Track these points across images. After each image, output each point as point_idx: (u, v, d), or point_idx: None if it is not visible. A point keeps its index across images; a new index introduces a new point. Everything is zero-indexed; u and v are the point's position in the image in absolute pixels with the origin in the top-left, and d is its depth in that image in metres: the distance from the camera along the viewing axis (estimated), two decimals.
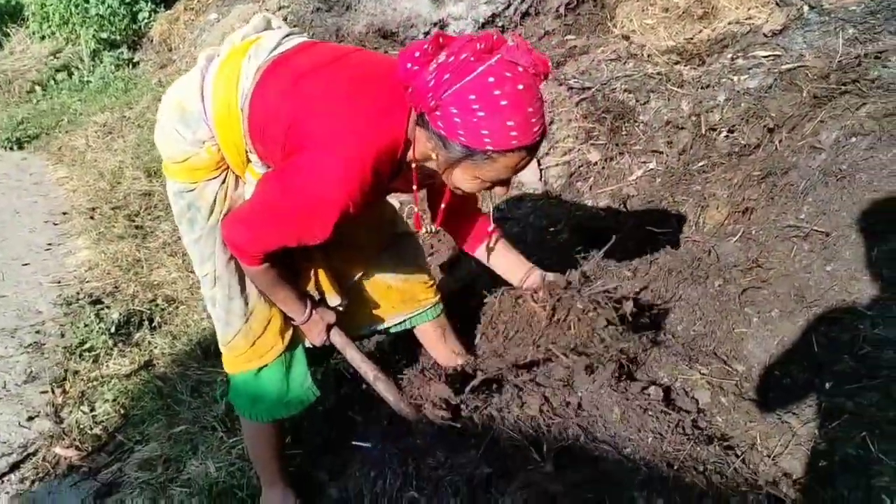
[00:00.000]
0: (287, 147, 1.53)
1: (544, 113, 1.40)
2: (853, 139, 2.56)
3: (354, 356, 2.01)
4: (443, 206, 1.79)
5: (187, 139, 1.66)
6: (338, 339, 1.99)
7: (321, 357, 2.23)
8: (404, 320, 2.22)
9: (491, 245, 2.05)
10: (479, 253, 2.08)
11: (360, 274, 2.08)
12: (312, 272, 1.92)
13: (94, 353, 3.05)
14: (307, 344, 2.01)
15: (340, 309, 1.99)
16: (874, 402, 1.93)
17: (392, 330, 2.25)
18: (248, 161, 1.71)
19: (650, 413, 1.94)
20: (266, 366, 1.92)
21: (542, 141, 1.43)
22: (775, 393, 2.11)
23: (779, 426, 1.98)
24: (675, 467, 1.81)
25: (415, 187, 1.64)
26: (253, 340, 1.88)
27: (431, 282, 2.23)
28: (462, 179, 1.49)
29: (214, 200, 1.74)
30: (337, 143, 1.45)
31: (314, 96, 1.51)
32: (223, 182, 1.74)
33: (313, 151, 1.47)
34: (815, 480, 1.83)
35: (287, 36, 1.70)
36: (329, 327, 1.95)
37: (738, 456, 1.89)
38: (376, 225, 2.07)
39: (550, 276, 2.03)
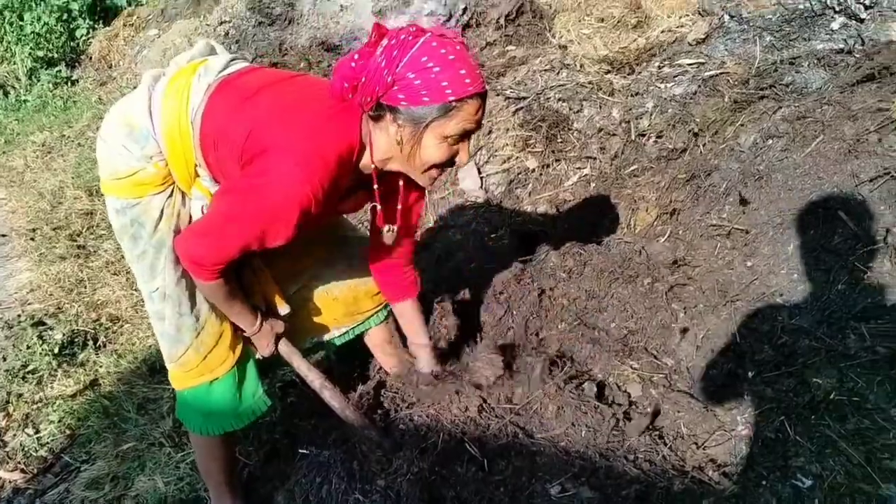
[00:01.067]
0: (244, 156, 1.59)
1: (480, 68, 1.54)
2: (769, 141, 2.72)
3: (301, 365, 2.06)
4: (399, 206, 1.88)
5: (135, 154, 1.70)
6: (284, 348, 2.04)
7: (268, 368, 2.26)
8: (348, 330, 2.28)
9: (410, 306, 2.20)
10: (397, 308, 2.22)
11: (304, 281, 2.13)
12: (258, 282, 1.96)
13: (37, 374, 3.02)
14: (257, 355, 2.05)
15: (285, 318, 2.03)
16: (791, 387, 2.06)
17: (337, 341, 2.30)
18: (197, 176, 1.76)
19: (584, 409, 2.03)
20: (217, 379, 1.94)
21: (486, 94, 1.58)
22: (702, 384, 2.23)
23: (704, 415, 2.10)
24: (608, 457, 1.91)
25: (375, 186, 1.73)
26: (205, 354, 1.90)
27: (377, 290, 2.27)
28: (431, 147, 1.58)
29: (161, 215, 1.76)
30: (295, 145, 1.53)
31: (267, 108, 1.59)
32: (169, 196, 1.77)
33: (272, 155, 1.53)
34: (737, 464, 1.94)
35: (232, 60, 1.79)
36: (277, 337, 2.00)
37: (666, 444, 1.99)
38: (318, 229, 2.11)
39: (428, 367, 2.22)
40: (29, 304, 3.67)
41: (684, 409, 2.13)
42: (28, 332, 3.30)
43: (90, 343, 3.21)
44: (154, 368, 2.93)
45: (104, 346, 3.21)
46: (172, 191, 1.78)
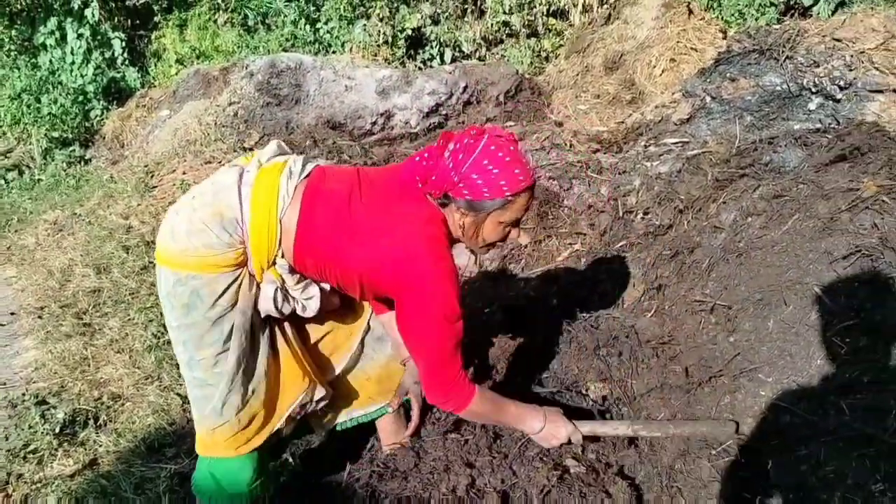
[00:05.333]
0: (391, 290, 1.86)
1: (531, 165, 1.80)
2: (749, 219, 2.81)
3: (604, 429, 2.15)
4: None
5: (222, 241, 1.84)
6: (583, 426, 2.07)
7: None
8: (379, 408, 2.35)
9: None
10: (384, 318, 2.32)
11: (343, 364, 2.24)
12: (301, 369, 2.05)
13: (38, 454, 3.06)
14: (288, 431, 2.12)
15: (326, 401, 2.13)
16: (775, 464, 2.09)
17: (370, 416, 2.37)
18: (273, 263, 1.90)
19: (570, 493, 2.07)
20: (243, 454, 1.99)
21: (535, 184, 1.87)
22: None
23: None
24: None
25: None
26: (240, 429, 1.96)
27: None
28: (490, 231, 1.86)
29: (223, 293, 1.87)
30: (427, 259, 1.78)
31: (385, 243, 1.82)
32: (235, 279, 1.89)
33: (418, 286, 1.78)
34: None
35: (305, 161, 1.99)
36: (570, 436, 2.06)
37: None
38: (353, 309, 2.28)
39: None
40: (33, 382, 3.73)
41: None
42: (31, 411, 3.35)
43: (91, 422, 3.25)
44: (152, 447, 2.96)
45: (105, 424, 3.26)
46: (240, 274, 1.90)
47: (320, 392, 2.10)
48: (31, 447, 3.11)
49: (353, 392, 2.29)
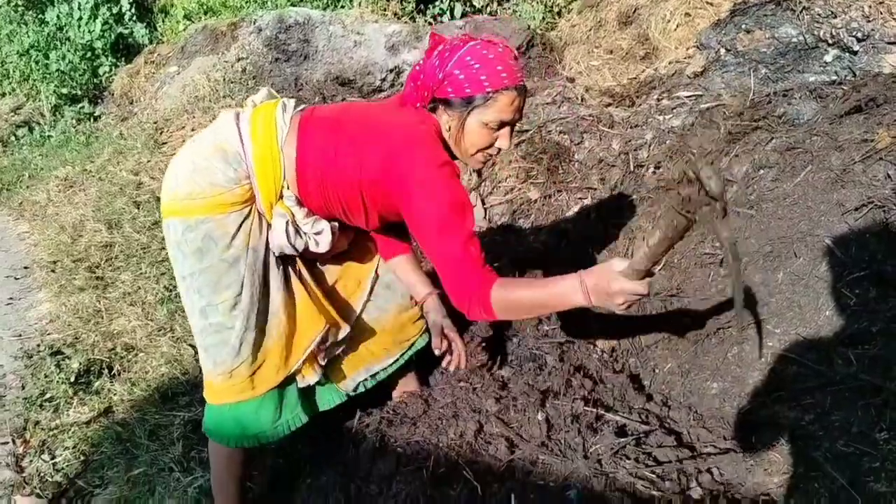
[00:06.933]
0: (391, 187, 1.82)
1: (522, 67, 1.86)
2: (761, 172, 2.79)
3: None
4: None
5: (228, 176, 1.87)
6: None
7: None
8: (399, 357, 2.37)
9: (404, 260, 2.35)
10: (393, 262, 2.34)
11: (358, 307, 2.26)
12: (318, 308, 2.06)
13: (54, 402, 3.12)
14: (300, 384, 2.11)
15: (344, 341, 2.16)
16: (780, 412, 2.11)
17: (380, 376, 2.36)
18: (281, 197, 1.93)
19: (580, 432, 2.10)
20: (261, 396, 2.00)
21: (525, 88, 1.86)
22: (680, 413, 2.28)
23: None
24: (608, 475, 1.96)
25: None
26: (253, 371, 1.97)
27: (419, 313, 2.38)
28: (474, 133, 1.84)
29: (237, 231, 1.89)
30: (418, 149, 1.78)
31: (381, 139, 1.83)
32: (245, 217, 1.91)
33: (417, 172, 1.76)
34: (723, 482, 1.99)
35: (296, 101, 2.04)
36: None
37: (659, 464, 2.04)
38: (361, 256, 2.30)
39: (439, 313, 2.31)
40: (48, 334, 3.79)
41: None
42: (46, 361, 3.41)
43: (105, 371, 3.31)
44: (166, 396, 3.02)
45: (119, 374, 3.31)
46: (250, 211, 1.92)
47: (343, 331, 2.12)
48: (48, 395, 3.17)
49: (369, 345, 2.30)
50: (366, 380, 2.33)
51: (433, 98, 1.86)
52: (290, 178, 1.92)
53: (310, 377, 2.08)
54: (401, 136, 1.81)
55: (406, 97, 1.92)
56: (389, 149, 1.80)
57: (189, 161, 1.91)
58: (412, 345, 2.40)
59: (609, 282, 1.60)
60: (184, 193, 1.88)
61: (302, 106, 2.02)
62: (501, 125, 1.85)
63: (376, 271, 2.32)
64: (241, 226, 1.90)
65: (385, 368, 2.35)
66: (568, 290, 1.68)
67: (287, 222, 1.92)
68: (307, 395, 2.20)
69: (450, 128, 1.86)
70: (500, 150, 1.91)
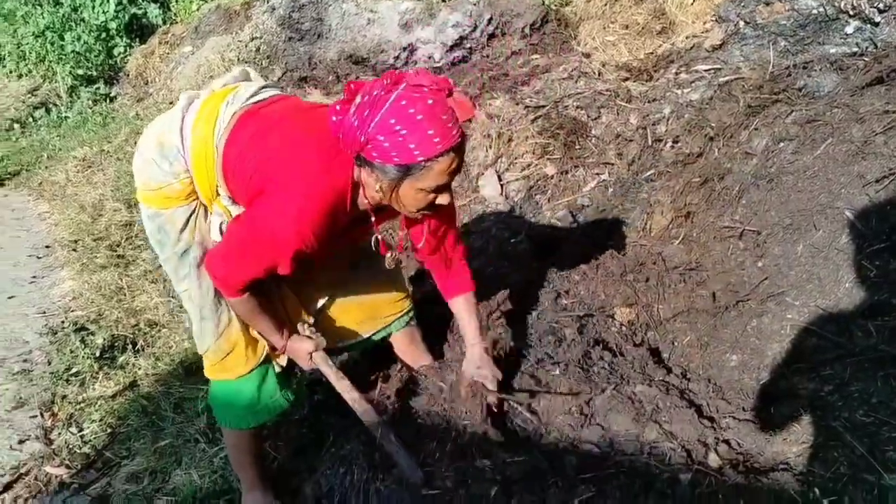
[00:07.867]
0: (249, 193, 1.74)
1: (457, 119, 1.58)
2: (781, 144, 2.77)
3: (341, 385, 2.09)
4: (425, 233, 2.01)
5: (164, 170, 1.84)
6: (323, 365, 2.10)
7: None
8: (372, 334, 2.37)
9: (465, 304, 2.19)
10: (452, 304, 2.21)
11: (327, 297, 2.22)
12: (281, 299, 2.08)
13: (80, 377, 3.18)
14: (282, 362, 2.15)
15: (308, 332, 2.12)
16: (799, 383, 2.12)
17: (361, 345, 2.38)
18: (218, 195, 1.88)
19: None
20: (240, 377, 2.05)
21: (464, 143, 1.60)
22: (699, 385, 2.30)
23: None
24: (626, 450, 1.98)
25: (373, 218, 1.82)
26: (222, 357, 2.03)
27: (401, 295, 2.35)
28: (409, 197, 1.64)
29: (184, 226, 1.90)
30: (290, 190, 1.64)
31: (273, 148, 1.70)
32: (193, 211, 1.91)
33: (272, 194, 1.66)
34: (742, 452, 2.01)
35: (263, 87, 1.91)
36: (310, 354, 2.07)
37: (676, 438, 2.06)
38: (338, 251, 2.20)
39: (483, 365, 2.15)
40: (72, 311, 3.85)
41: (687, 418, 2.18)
42: (71, 337, 3.47)
43: (129, 347, 3.37)
44: (190, 370, 3.07)
45: (143, 349, 3.37)
46: (195, 207, 1.91)
47: (304, 322, 2.12)
48: (74, 370, 3.23)
49: (342, 319, 2.27)
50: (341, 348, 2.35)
51: (357, 156, 1.61)
52: (220, 176, 1.83)
53: (282, 360, 2.14)
54: (286, 180, 1.65)
55: (334, 135, 1.64)
56: (271, 179, 1.66)
57: (139, 153, 1.90)
58: (387, 325, 2.36)
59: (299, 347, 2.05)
60: (139, 182, 1.90)
61: (264, 96, 1.88)
62: (439, 189, 1.64)
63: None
64: (188, 221, 1.90)
65: (354, 344, 2.35)
66: (273, 340, 2.03)
67: (221, 222, 1.91)
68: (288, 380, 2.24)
69: (380, 189, 1.64)
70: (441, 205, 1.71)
